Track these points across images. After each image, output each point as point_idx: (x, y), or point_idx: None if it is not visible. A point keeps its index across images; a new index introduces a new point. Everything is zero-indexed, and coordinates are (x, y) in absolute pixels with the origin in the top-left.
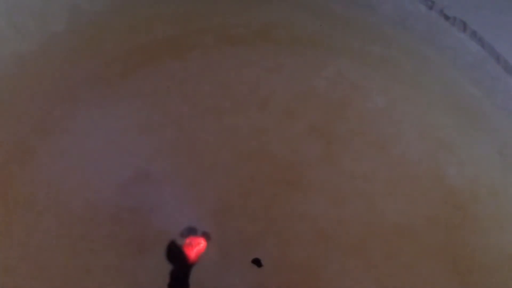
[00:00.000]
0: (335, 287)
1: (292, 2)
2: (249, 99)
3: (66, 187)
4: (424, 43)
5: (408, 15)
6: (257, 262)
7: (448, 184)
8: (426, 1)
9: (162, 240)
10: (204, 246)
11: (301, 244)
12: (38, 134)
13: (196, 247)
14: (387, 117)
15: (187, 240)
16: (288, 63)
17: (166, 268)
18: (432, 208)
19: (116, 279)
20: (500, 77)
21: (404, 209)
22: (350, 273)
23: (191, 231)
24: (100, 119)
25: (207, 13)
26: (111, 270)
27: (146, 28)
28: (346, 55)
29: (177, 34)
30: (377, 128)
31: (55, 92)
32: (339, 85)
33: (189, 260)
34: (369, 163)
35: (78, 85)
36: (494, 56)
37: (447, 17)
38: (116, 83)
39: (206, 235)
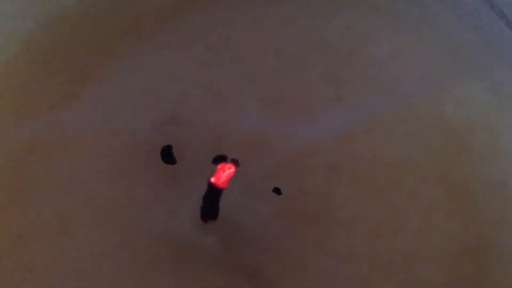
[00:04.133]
0: (346, 211)
1: None
2: (266, 48)
3: (106, 128)
4: None
5: None
6: (277, 191)
7: (447, 121)
8: None
9: (193, 171)
10: (233, 171)
11: (316, 175)
12: (80, 81)
13: (226, 172)
14: (393, 63)
15: (219, 166)
16: (302, 16)
17: (199, 194)
18: (433, 142)
19: (154, 206)
20: (494, 24)
21: (407, 143)
22: (359, 199)
23: (222, 159)
24: (133, 68)
25: None
26: (149, 199)
27: None
28: (355, 7)
29: None
30: (383, 73)
31: (93, 44)
32: (349, 35)
33: (220, 185)
34: (377, 104)
35: (113, 38)
36: (488, 4)
37: None
38: (146, 36)
39: (235, 162)
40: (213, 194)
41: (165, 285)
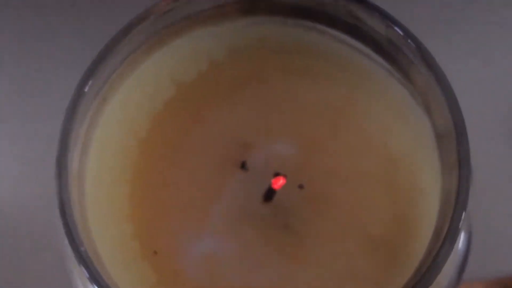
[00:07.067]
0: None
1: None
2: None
3: (214, 148)
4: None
5: None
6: (300, 186)
7: (388, 148)
8: None
9: (259, 176)
10: (284, 182)
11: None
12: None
13: (280, 181)
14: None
15: (276, 178)
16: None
17: (263, 188)
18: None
19: (240, 192)
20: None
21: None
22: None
23: (278, 174)
24: (228, 114)
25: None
26: (236, 187)
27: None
28: (327, 81)
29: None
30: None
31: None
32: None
33: (276, 188)
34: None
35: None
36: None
37: None
38: (229, 98)
39: (284, 176)
40: (271, 191)
41: (243, 232)
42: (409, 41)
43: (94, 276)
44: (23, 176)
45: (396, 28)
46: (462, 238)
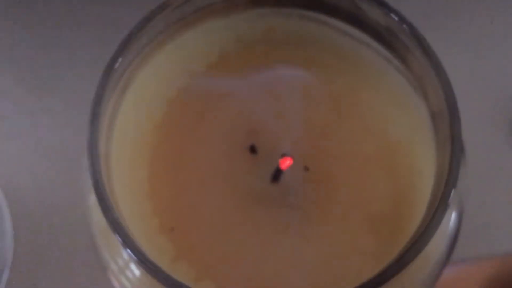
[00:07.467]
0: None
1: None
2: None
3: (225, 136)
4: None
5: None
6: (306, 168)
7: (387, 133)
8: None
9: (267, 158)
10: (290, 163)
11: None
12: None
13: (287, 162)
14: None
15: (283, 158)
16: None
17: (271, 169)
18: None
19: (249, 173)
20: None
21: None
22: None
23: (284, 155)
24: (235, 103)
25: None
26: (246, 170)
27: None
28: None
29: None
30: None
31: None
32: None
33: (283, 168)
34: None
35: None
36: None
37: None
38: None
39: (292, 157)
40: (279, 171)
41: (253, 210)
42: (404, 26)
43: (126, 241)
44: (42, 163)
45: (392, 15)
46: (453, 217)
